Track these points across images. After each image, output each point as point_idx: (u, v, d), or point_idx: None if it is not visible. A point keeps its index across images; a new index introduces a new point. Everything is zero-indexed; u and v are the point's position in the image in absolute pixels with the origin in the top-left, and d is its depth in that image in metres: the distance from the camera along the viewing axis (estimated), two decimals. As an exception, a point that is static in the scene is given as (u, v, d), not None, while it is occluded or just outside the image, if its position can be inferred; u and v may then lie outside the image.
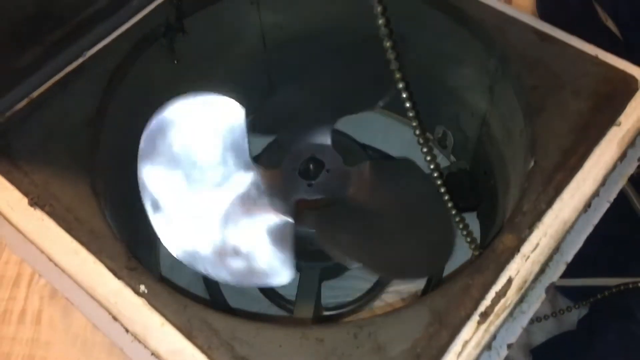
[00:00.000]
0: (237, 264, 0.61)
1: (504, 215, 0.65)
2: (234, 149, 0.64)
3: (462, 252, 0.80)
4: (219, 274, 0.60)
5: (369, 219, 0.66)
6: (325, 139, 0.71)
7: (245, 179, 0.65)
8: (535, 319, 0.76)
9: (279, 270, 0.61)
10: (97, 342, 0.78)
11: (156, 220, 0.60)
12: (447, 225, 0.60)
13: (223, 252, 0.61)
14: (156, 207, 0.60)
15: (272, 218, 0.64)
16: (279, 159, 0.71)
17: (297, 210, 0.66)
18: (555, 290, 0.86)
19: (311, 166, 0.70)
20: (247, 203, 0.64)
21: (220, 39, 0.75)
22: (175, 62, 0.72)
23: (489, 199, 0.76)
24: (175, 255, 0.59)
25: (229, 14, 0.75)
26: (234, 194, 0.64)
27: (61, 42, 0.61)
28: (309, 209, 0.67)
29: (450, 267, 0.63)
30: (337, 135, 0.74)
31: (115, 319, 0.51)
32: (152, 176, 0.60)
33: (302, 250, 0.64)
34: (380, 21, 0.40)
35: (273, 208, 0.64)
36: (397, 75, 0.45)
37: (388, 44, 0.41)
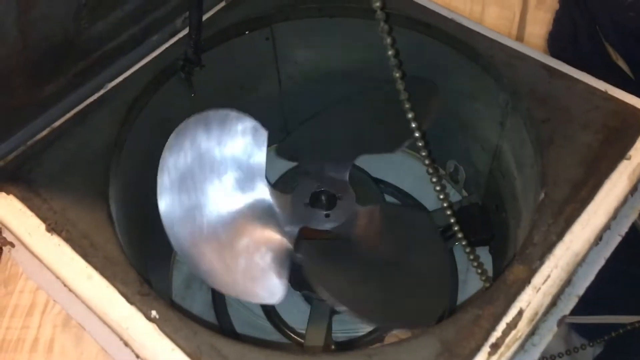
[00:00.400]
0: (234, 272, 0.62)
1: (515, 249, 0.65)
2: (252, 166, 0.66)
3: (473, 284, 0.80)
4: (215, 275, 0.61)
5: (367, 264, 0.66)
6: (343, 175, 0.72)
7: (257, 195, 0.67)
8: (549, 357, 0.75)
9: (271, 290, 0.61)
10: (108, 371, 0.78)
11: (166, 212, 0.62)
12: (443, 284, 0.61)
13: (222, 255, 0.62)
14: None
15: (275, 238, 0.65)
16: (293, 186, 0.72)
17: (299, 237, 0.67)
18: (569, 327, 0.85)
19: (323, 197, 0.71)
20: (256, 217, 0.66)
21: (236, 73, 0.77)
22: (193, 95, 0.74)
23: (501, 233, 0.76)
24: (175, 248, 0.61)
25: (245, 50, 0.77)
26: (244, 204, 0.66)
27: (83, 74, 0.63)
28: (310, 240, 0.68)
29: (461, 298, 0.63)
30: (352, 169, 0.74)
31: (126, 344, 0.51)
32: (170, 171, 0.63)
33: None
34: (390, 52, 0.41)
35: (278, 230, 0.65)
36: (407, 106, 0.46)
37: (397, 75, 0.42)
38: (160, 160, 0.63)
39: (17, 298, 0.87)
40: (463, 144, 0.81)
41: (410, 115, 0.46)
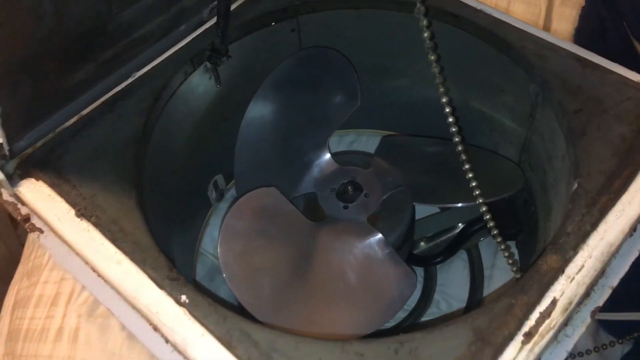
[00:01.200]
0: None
1: (544, 243, 0.64)
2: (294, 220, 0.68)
3: (498, 279, 0.79)
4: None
5: (431, 175, 0.71)
6: (329, 165, 0.73)
7: (315, 248, 0.67)
8: (577, 354, 0.73)
9: (404, 281, 0.63)
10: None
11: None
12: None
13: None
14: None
15: (370, 245, 0.66)
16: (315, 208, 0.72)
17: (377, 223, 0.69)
18: (597, 324, 0.83)
19: (350, 189, 0.71)
20: (337, 251, 0.67)
21: (262, 65, 0.77)
22: (219, 86, 0.74)
23: (529, 227, 0.75)
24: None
25: (272, 41, 0.77)
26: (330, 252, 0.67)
27: (112, 62, 0.63)
28: (380, 216, 0.69)
29: (490, 289, 0.63)
30: (336, 156, 0.75)
31: (155, 329, 0.51)
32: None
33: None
34: (426, 34, 0.41)
35: (359, 239, 0.66)
36: (444, 100, 0.45)
37: (432, 58, 0.42)
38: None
39: (41, 288, 0.87)
40: (490, 137, 0.80)
41: (445, 99, 0.45)
